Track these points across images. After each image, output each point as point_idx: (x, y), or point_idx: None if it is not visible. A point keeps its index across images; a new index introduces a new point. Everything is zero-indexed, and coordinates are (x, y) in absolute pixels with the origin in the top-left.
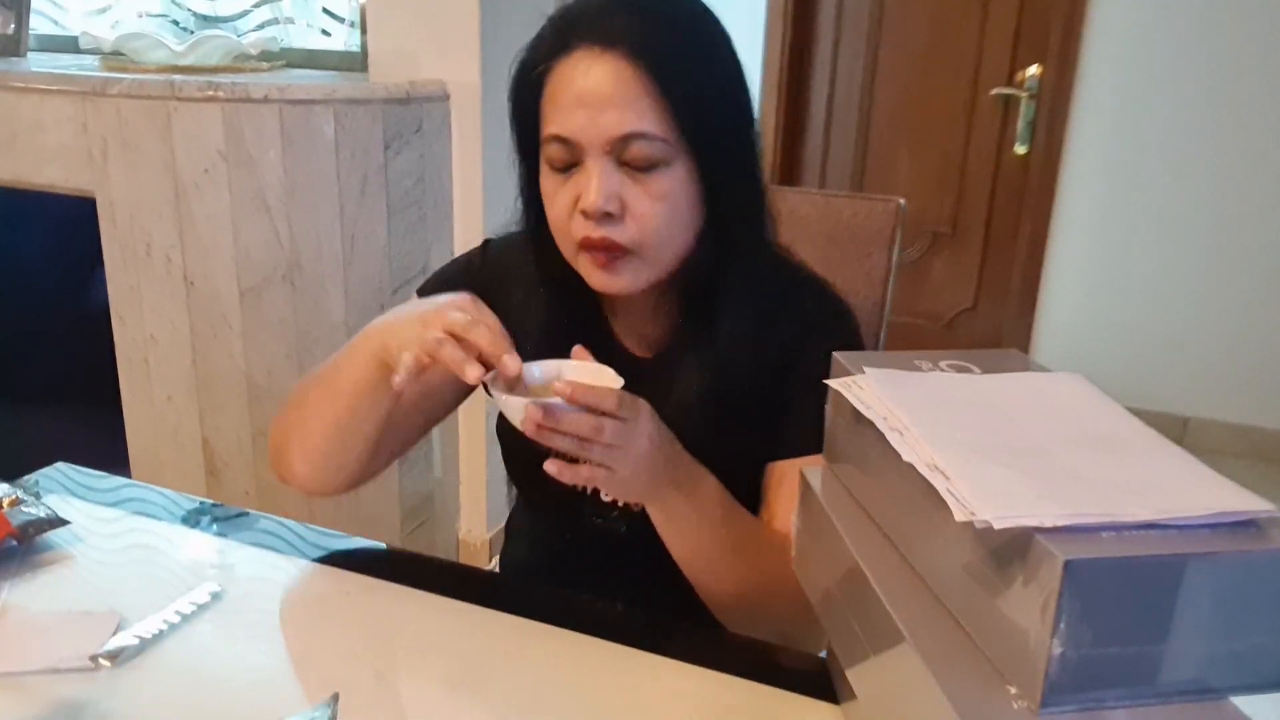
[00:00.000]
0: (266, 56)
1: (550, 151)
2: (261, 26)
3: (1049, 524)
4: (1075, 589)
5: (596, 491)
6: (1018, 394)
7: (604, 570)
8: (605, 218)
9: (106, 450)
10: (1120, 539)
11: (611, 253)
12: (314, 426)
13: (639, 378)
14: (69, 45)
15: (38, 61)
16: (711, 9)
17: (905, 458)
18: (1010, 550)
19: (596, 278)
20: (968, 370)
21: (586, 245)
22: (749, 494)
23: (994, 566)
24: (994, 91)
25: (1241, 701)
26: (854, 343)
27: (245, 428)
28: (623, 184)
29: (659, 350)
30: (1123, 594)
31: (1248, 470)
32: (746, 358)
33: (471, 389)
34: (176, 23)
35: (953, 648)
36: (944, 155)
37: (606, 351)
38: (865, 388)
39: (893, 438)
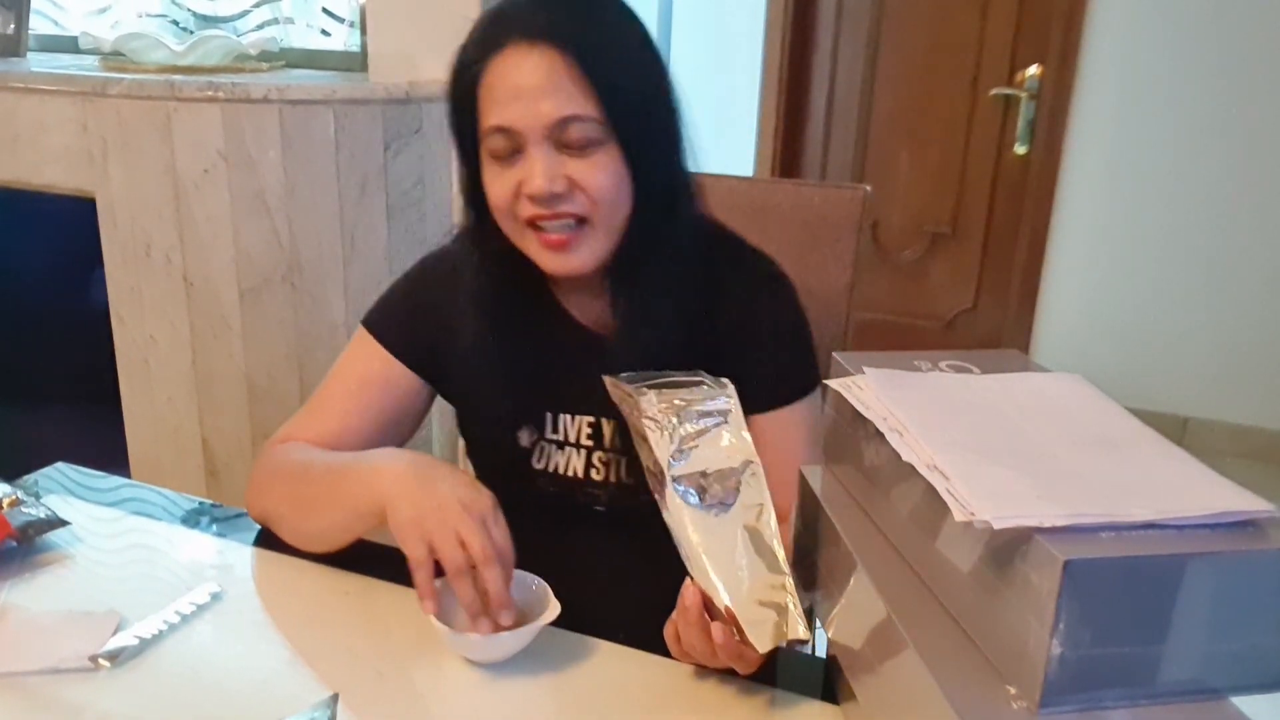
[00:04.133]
0: (266, 57)
1: (493, 143)
2: (261, 27)
3: (1048, 524)
4: (1074, 589)
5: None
6: (1017, 394)
7: (577, 550)
8: (554, 198)
9: (106, 451)
10: (1120, 539)
11: (566, 225)
12: (309, 528)
13: (602, 354)
14: (69, 46)
15: (38, 62)
16: (629, 5)
17: (905, 458)
18: (1010, 550)
19: (547, 259)
20: (967, 371)
21: (536, 221)
22: None
23: (993, 566)
24: (994, 91)
25: (1241, 701)
26: (794, 301)
27: (245, 428)
28: (565, 164)
29: (614, 328)
30: (1122, 594)
31: (1247, 471)
32: (698, 325)
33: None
34: (176, 23)
35: (952, 648)
36: (944, 155)
37: (566, 330)
38: (865, 388)
39: (892, 438)
